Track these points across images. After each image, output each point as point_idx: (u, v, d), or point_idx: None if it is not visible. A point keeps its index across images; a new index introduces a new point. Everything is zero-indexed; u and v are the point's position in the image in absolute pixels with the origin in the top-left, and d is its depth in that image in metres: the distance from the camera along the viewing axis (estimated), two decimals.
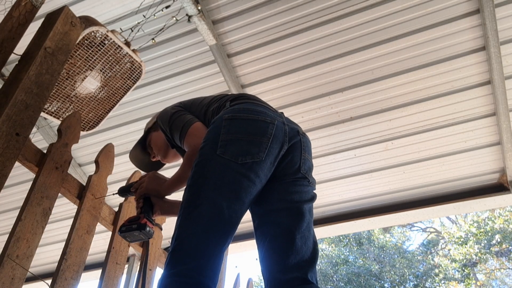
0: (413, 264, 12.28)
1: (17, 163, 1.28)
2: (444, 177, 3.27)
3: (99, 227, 1.75)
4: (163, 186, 1.50)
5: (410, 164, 3.25)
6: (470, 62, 2.77)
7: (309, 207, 1.33)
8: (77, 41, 1.99)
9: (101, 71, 2.27)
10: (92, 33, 2.10)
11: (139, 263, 3.31)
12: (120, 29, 2.44)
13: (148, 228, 1.42)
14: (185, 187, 1.26)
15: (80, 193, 1.65)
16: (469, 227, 11.47)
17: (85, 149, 3.51)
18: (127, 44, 2.30)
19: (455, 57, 2.77)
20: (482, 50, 2.71)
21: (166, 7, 2.58)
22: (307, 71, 2.94)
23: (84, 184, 1.70)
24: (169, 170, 2.52)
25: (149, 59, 2.94)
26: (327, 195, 3.50)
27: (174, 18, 2.62)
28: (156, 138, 1.68)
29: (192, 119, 1.48)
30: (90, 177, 1.72)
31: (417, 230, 13.94)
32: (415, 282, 11.81)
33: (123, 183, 2.01)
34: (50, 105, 2.28)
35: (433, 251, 12.97)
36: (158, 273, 2.12)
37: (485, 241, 11.01)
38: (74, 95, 2.30)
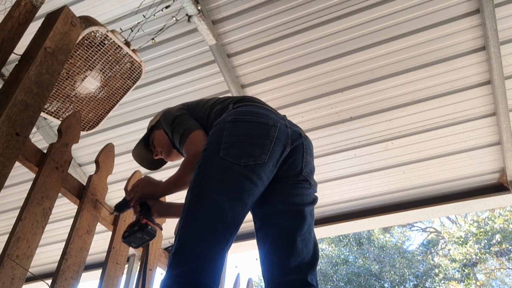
0: (413, 264, 12.28)
1: (17, 163, 1.28)
2: (444, 177, 3.27)
3: (99, 227, 1.75)
4: (158, 188, 1.51)
5: (410, 164, 3.25)
6: (470, 62, 2.77)
7: (310, 210, 1.34)
8: (77, 41, 1.99)
9: (101, 71, 2.27)
10: (92, 33, 2.10)
11: (139, 263, 3.32)
12: (120, 29, 2.44)
13: (150, 227, 1.43)
14: (187, 189, 1.26)
15: (80, 193, 1.65)
16: (469, 227, 11.47)
17: (85, 149, 3.51)
18: (127, 44, 2.30)
19: (455, 57, 2.77)
20: (482, 50, 2.71)
21: (166, 7, 2.58)
22: (307, 71, 2.94)
23: (84, 184, 1.70)
24: (170, 170, 2.53)
25: (149, 59, 2.94)
26: (327, 195, 3.50)
27: (174, 18, 2.62)
28: (159, 136, 1.69)
29: (193, 126, 1.48)
30: (90, 177, 1.72)
31: (417, 230, 13.95)
32: (415, 282, 11.81)
33: (123, 183, 2.01)
34: (50, 105, 2.28)
35: (433, 251, 12.97)
36: (158, 273, 2.12)
37: (485, 241, 11.01)
38: (74, 95, 2.30)
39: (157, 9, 2.59)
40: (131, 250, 3.55)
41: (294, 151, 1.34)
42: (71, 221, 1.60)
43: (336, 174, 3.38)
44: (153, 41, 2.70)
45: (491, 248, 10.99)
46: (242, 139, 1.26)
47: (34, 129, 3.24)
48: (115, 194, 3.43)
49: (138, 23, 2.60)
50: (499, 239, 10.86)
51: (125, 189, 1.96)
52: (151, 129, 1.74)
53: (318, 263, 1.30)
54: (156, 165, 1.84)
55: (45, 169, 1.46)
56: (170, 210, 1.60)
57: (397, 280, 11.81)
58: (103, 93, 2.38)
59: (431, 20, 2.65)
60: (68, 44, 1.48)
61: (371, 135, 3.15)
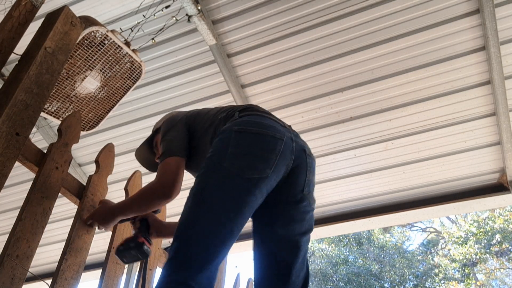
0: (413, 264, 12.28)
1: (17, 163, 1.28)
2: (444, 177, 3.27)
3: None
4: (109, 216, 1.51)
5: (410, 164, 3.25)
6: (470, 62, 2.77)
7: (307, 238, 1.35)
8: (77, 41, 1.99)
9: (101, 71, 2.27)
10: (92, 33, 2.10)
11: (139, 263, 3.31)
12: (120, 29, 2.44)
13: (145, 247, 1.42)
14: (188, 195, 1.25)
15: (80, 193, 1.65)
16: (469, 227, 11.47)
17: (85, 149, 3.51)
18: (127, 44, 2.30)
19: (455, 57, 2.77)
20: (482, 50, 2.71)
21: (166, 7, 2.58)
22: (307, 71, 2.94)
23: (84, 184, 1.70)
24: None
25: (149, 59, 2.94)
26: (327, 195, 3.50)
27: (174, 18, 2.62)
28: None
29: (175, 149, 1.45)
30: (90, 177, 1.72)
31: (417, 230, 13.95)
32: (415, 282, 11.81)
33: (123, 183, 2.01)
34: (50, 105, 2.28)
35: (433, 251, 12.98)
36: (158, 273, 2.12)
37: (485, 241, 11.02)
38: (74, 95, 2.30)
39: (157, 9, 2.59)
40: None
41: (297, 170, 1.33)
42: (71, 221, 1.60)
43: (336, 174, 3.38)
44: (153, 41, 2.70)
45: (491, 248, 10.99)
46: (248, 151, 1.24)
47: (34, 129, 3.24)
48: (115, 194, 3.43)
49: (138, 23, 2.60)
50: (499, 239, 10.86)
51: (125, 189, 1.96)
52: (155, 132, 1.73)
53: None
54: (157, 167, 1.84)
55: (45, 169, 1.46)
56: (169, 230, 1.60)
57: (397, 280, 11.81)
58: (103, 93, 2.38)
59: (431, 20, 2.65)
60: (68, 44, 1.48)
61: (371, 135, 3.15)
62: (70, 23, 1.51)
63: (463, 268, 11.38)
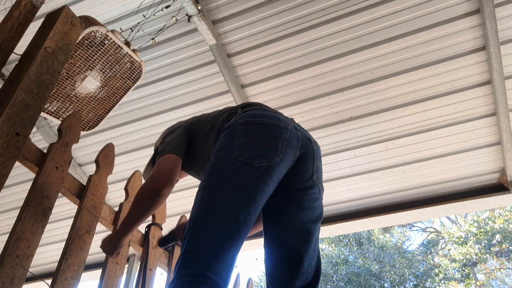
0: (413, 264, 12.28)
1: (17, 163, 1.28)
2: (444, 177, 3.27)
3: (99, 227, 1.75)
4: (113, 242, 1.52)
5: (410, 164, 3.25)
6: (470, 62, 2.77)
7: (318, 227, 1.36)
8: (77, 41, 1.99)
9: (101, 71, 2.27)
10: (92, 33, 2.10)
11: (139, 263, 3.31)
12: (120, 29, 2.44)
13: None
14: (198, 188, 1.26)
15: (80, 193, 1.65)
16: (469, 227, 11.47)
17: (85, 149, 3.51)
18: (127, 44, 2.30)
19: (455, 57, 2.77)
20: (482, 50, 2.71)
21: (166, 7, 2.58)
22: (307, 71, 2.94)
23: (84, 184, 1.70)
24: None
25: (149, 59, 2.94)
26: (327, 195, 3.50)
27: (174, 18, 2.62)
28: None
29: (171, 148, 1.46)
30: (90, 177, 1.72)
31: (417, 230, 13.95)
32: (415, 282, 11.81)
33: (123, 183, 2.01)
34: (50, 105, 2.28)
35: (433, 251, 12.97)
36: (158, 273, 2.12)
37: (485, 241, 11.02)
38: (74, 95, 2.30)
39: (157, 9, 2.59)
40: (131, 250, 3.54)
41: (304, 157, 1.35)
42: (71, 221, 1.60)
43: (336, 174, 3.38)
44: (153, 41, 2.70)
45: (491, 248, 10.99)
46: (255, 141, 1.27)
47: (34, 129, 3.24)
48: (115, 194, 3.44)
49: (138, 23, 2.60)
50: (499, 239, 10.86)
51: (125, 189, 1.96)
52: (157, 150, 1.73)
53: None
54: None
55: (45, 169, 1.46)
56: None
57: (397, 280, 11.81)
58: (103, 93, 2.38)
59: (431, 20, 2.65)
60: (68, 44, 1.49)
61: (371, 135, 3.15)
62: (70, 23, 1.51)
63: (463, 268, 11.38)
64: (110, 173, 1.84)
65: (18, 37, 1.42)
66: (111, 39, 2.17)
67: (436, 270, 11.93)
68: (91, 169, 3.51)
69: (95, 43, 2.15)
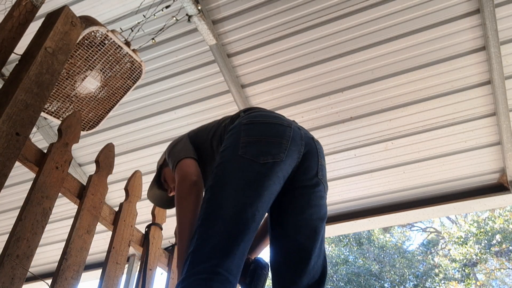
0: (413, 264, 12.28)
1: (17, 163, 1.28)
2: (444, 177, 3.27)
3: (99, 227, 1.75)
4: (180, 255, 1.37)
5: (410, 164, 3.25)
6: (470, 62, 2.77)
7: (324, 225, 1.37)
8: (77, 41, 1.99)
9: (101, 71, 2.27)
10: (92, 33, 2.10)
11: (139, 263, 3.31)
12: (120, 29, 2.44)
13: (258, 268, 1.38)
14: (205, 188, 1.27)
15: (80, 193, 1.65)
16: (469, 227, 11.47)
17: (85, 149, 3.51)
18: (127, 44, 2.30)
19: (455, 57, 2.77)
20: (482, 50, 2.71)
21: (166, 7, 2.58)
22: (307, 71, 2.94)
23: (84, 184, 1.70)
24: None
25: (149, 59, 2.94)
26: (328, 195, 3.49)
27: (174, 18, 2.62)
28: (169, 172, 1.64)
29: (184, 154, 1.45)
30: (90, 177, 1.72)
31: (417, 230, 13.95)
32: (415, 282, 11.81)
33: (124, 183, 2.01)
34: (50, 105, 2.28)
35: (433, 251, 12.97)
36: (158, 273, 2.12)
37: (485, 241, 11.02)
38: (74, 95, 2.30)
39: (157, 9, 2.59)
40: (131, 250, 3.55)
41: (308, 155, 1.37)
42: (71, 221, 1.60)
43: (336, 174, 3.38)
44: (153, 41, 2.70)
45: (491, 248, 10.99)
46: (260, 138, 1.29)
47: (34, 129, 3.24)
48: (115, 194, 3.44)
49: (138, 23, 2.60)
50: (499, 239, 10.86)
51: (125, 189, 1.96)
52: (160, 168, 1.71)
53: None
54: (173, 202, 1.78)
55: (45, 169, 1.46)
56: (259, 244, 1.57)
57: (397, 280, 11.81)
58: (103, 93, 2.38)
59: (431, 20, 2.65)
60: (68, 44, 1.49)
61: (371, 135, 3.15)
62: (70, 23, 1.51)
63: (463, 268, 11.38)
64: (110, 173, 1.84)
65: (18, 37, 1.42)
66: (111, 39, 2.17)
67: (436, 270, 11.93)
68: (91, 169, 3.51)
69: (95, 43, 2.15)
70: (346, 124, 3.12)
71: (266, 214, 1.36)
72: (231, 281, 1.04)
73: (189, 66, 3.00)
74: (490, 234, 10.97)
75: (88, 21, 2.10)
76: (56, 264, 1.48)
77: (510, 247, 10.93)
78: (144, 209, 2.78)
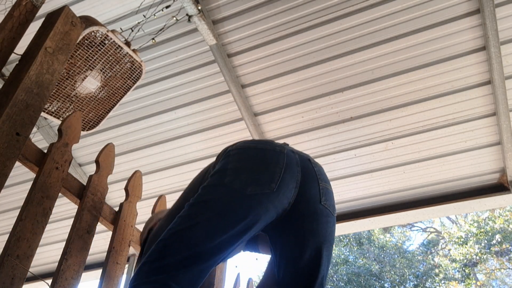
0: (413, 264, 12.28)
1: (17, 163, 1.28)
2: (444, 177, 3.27)
3: (99, 227, 1.75)
4: None
5: (410, 164, 3.25)
6: (470, 62, 2.77)
7: (331, 251, 1.27)
8: (78, 41, 1.99)
9: (101, 71, 2.27)
10: (92, 33, 2.10)
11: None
12: (120, 29, 2.44)
13: None
14: (187, 203, 1.19)
15: (81, 193, 1.65)
16: (469, 227, 11.47)
17: (85, 149, 3.51)
18: (127, 44, 2.30)
19: (455, 57, 2.77)
20: (482, 50, 2.71)
21: (166, 7, 2.58)
22: (307, 71, 2.94)
23: (84, 184, 1.70)
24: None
25: (149, 59, 2.94)
26: None
27: (174, 18, 2.62)
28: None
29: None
30: (90, 177, 1.72)
31: (417, 230, 13.95)
32: (415, 282, 11.81)
33: (124, 183, 2.01)
34: (50, 105, 2.28)
35: (433, 251, 12.98)
36: None
37: (485, 241, 11.02)
38: (74, 95, 2.30)
39: (157, 9, 2.59)
40: (132, 250, 3.54)
41: (308, 181, 1.25)
42: (71, 221, 1.60)
43: (336, 174, 3.38)
44: (153, 41, 2.70)
45: (491, 248, 10.99)
46: (250, 165, 1.18)
47: (35, 129, 3.24)
48: (115, 194, 3.44)
49: (138, 23, 2.60)
50: (499, 239, 10.86)
51: (125, 189, 1.96)
52: (149, 232, 1.61)
53: None
54: None
55: (45, 169, 1.46)
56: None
57: (397, 280, 11.81)
58: (104, 93, 2.38)
59: (431, 20, 2.65)
60: (68, 44, 1.49)
61: (371, 135, 3.15)
62: (71, 23, 1.51)
63: (463, 268, 11.38)
64: (110, 173, 1.84)
65: (18, 37, 1.42)
66: (111, 39, 2.17)
67: (436, 270, 11.93)
68: (91, 169, 3.52)
69: (95, 43, 2.15)
70: (346, 124, 3.12)
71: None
72: None
73: (189, 66, 3.00)
74: (490, 234, 10.97)
75: (88, 21, 2.10)
76: (56, 264, 1.48)
77: (510, 247, 10.93)
78: (144, 209, 2.78)
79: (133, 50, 2.31)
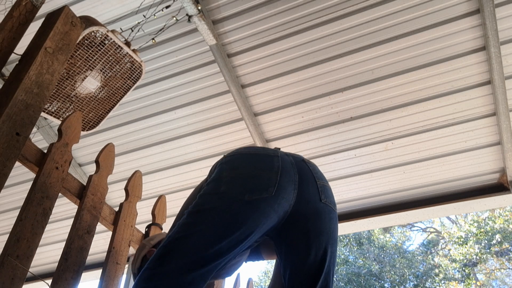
0: (413, 264, 12.28)
1: (17, 163, 1.28)
2: (444, 177, 3.27)
3: (99, 227, 1.75)
4: None
5: (410, 164, 3.25)
6: (470, 62, 2.77)
7: (336, 248, 1.27)
8: (77, 41, 1.99)
9: (101, 71, 2.27)
10: (92, 33, 2.10)
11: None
12: (120, 29, 2.44)
13: None
14: (186, 211, 1.20)
15: (80, 193, 1.65)
16: (469, 227, 11.47)
17: (85, 149, 3.51)
18: (127, 44, 2.30)
19: (455, 57, 2.77)
20: (482, 50, 2.71)
21: (166, 7, 2.58)
22: (307, 71, 2.94)
23: (84, 184, 1.70)
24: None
25: (149, 59, 2.94)
26: None
27: (174, 18, 2.62)
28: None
29: None
30: (90, 177, 1.72)
31: (417, 230, 13.95)
32: (415, 282, 11.81)
33: (124, 183, 2.02)
34: (50, 105, 2.28)
35: (433, 251, 12.97)
36: None
37: (485, 241, 11.01)
38: (74, 95, 2.30)
39: (157, 9, 2.59)
40: (132, 250, 3.54)
41: (305, 182, 1.25)
42: (71, 221, 1.61)
43: (336, 174, 3.38)
44: (153, 41, 2.70)
45: (491, 248, 10.99)
46: (245, 172, 1.17)
47: (34, 129, 3.24)
48: (115, 194, 3.44)
49: (138, 23, 2.60)
50: (499, 239, 10.86)
51: (125, 189, 1.96)
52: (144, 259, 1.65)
53: None
54: None
55: (45, 169, 1.46)
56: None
57: (397, 280, 11.81)
58: (103, 93, 2.38)
59: (431, 20, 2.65)
60: (68, 44, 1.49)
61: (371, 135, 3.15)
62: (70, 23, 1.51)
63: (463, 268, 11.38)
64: (110, 173, 1.84)
65: (18, 37, 1.42)
66: (111, 39, 2.17)
67: (436, 270, 11.93)
68: (91, 169, 3.52)
69: (95, 43, 2.15)
70: (346, 124, 3.12)
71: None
72: None
73: (189, 66, 3.00)
74: (490, 234, 10.97)
75: (88, 21, 2.10)
76: (56, 264, 1.48)
77: (510, 247, 10.93)
78: (144, 209, 2.78)
79: (133, 50, 2.31)
